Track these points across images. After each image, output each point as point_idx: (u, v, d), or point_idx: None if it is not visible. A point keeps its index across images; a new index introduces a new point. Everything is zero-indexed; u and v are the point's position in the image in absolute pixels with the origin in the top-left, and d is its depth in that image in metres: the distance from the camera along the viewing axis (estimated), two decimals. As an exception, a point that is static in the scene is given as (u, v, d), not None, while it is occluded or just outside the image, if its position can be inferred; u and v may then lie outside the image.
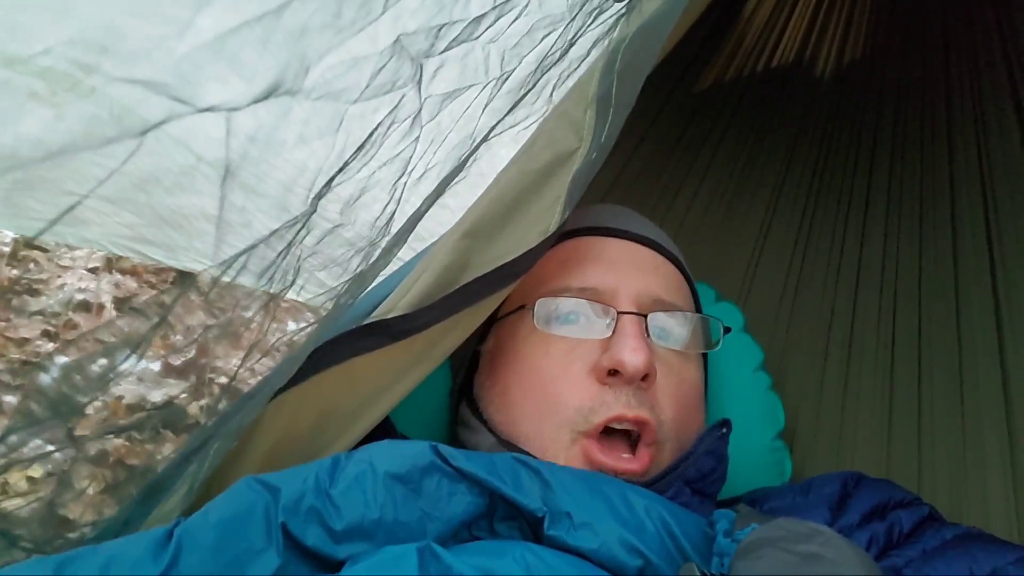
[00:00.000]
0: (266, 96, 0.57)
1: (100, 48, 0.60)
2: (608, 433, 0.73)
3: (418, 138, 0.73)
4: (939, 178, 1.22)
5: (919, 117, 1.27)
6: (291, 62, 0.59)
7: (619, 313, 0.77)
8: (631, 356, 0.72)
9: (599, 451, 0.72)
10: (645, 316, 0.77)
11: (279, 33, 0.58)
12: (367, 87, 0.65)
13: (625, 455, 0.73)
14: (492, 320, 0.84)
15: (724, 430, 0.77)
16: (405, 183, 0.75)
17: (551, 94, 0.88)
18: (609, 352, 0.74)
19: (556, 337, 0.77)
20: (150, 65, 0.59)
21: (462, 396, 0.86)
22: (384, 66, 0.65)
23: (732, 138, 1.37)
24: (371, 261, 0.73)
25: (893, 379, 1.11)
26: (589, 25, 0.83)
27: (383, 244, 0.74)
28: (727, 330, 0.85)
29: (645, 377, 0.73)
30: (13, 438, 0.55)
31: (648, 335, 0.77)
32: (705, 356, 0.88)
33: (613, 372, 0.73)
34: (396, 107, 0.69)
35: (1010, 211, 1.11)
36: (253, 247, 0.61)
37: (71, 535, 0.60)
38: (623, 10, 0.84)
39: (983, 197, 1.15)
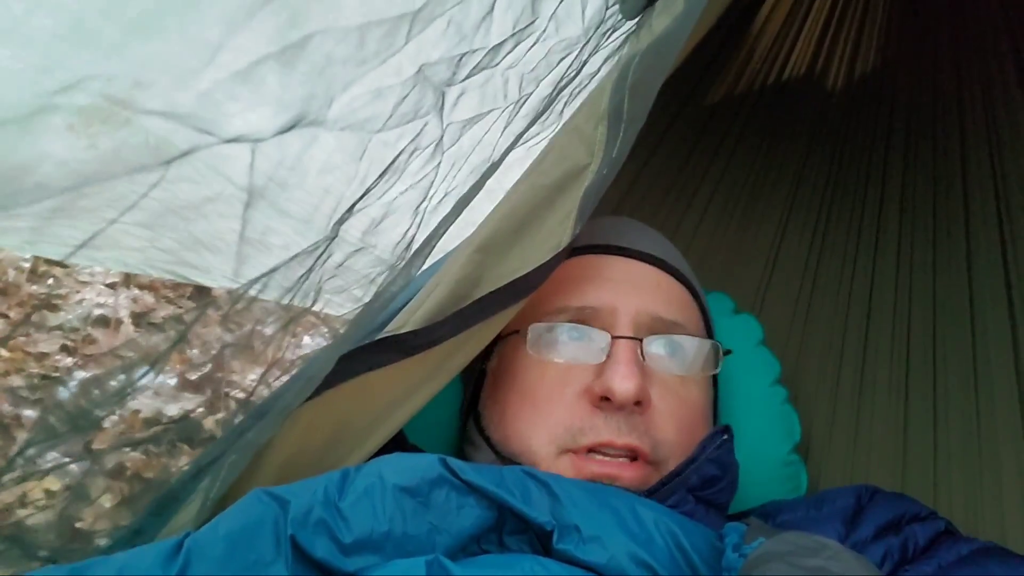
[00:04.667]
0: (291, 127, 0.58)
1: (130, 81, 0.61)
2: (602, 455, 0.73)
3: (439, 164, 0.74)
4: (952, 189, 1.21)
5: (931, 129, 1.27)
6: (315, 94, 0.60)
7: (613, 337, 0.76)
8: (621, 383, 0.71)
9: (587, 460, 0.72)
10: (640, 340, 0.76)
11: (303, 64, 0.59)
12: (390, 116, 0.66)
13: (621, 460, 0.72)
14: (497, 337, 0.83)
15: (725, 436, 0.76)
16: (426, 207, 0.75)
17: (562, 110, 0.88)
18: (601, 378, 0.73)
19: (551, 361, 0.77)
20: (175, 97, 0.60)
21: (469, 413, 0.85)
22: (407, 96, 0.66)
23: (744, 151, 1.37)
24: (389, 281, 0.74)
25: (908, 391, 1.10)
26: (603, 44, 0.84)
27: (400, 266, 0.75)
28: (727, 352, 0.84)
29: (639, 403, 0.73)
30: (31, 451, 0.56)
31: (643, 359, 0.76)
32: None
33: (605, 398, 0.73)
34: (418, 135, 0.70)
35: (1024, 222, 1.10)
36: (273, 271, 0.62)
37: (86, 547, 0.61)
38: (635, 28, 0.85)
39: (997, 209, 1.14)
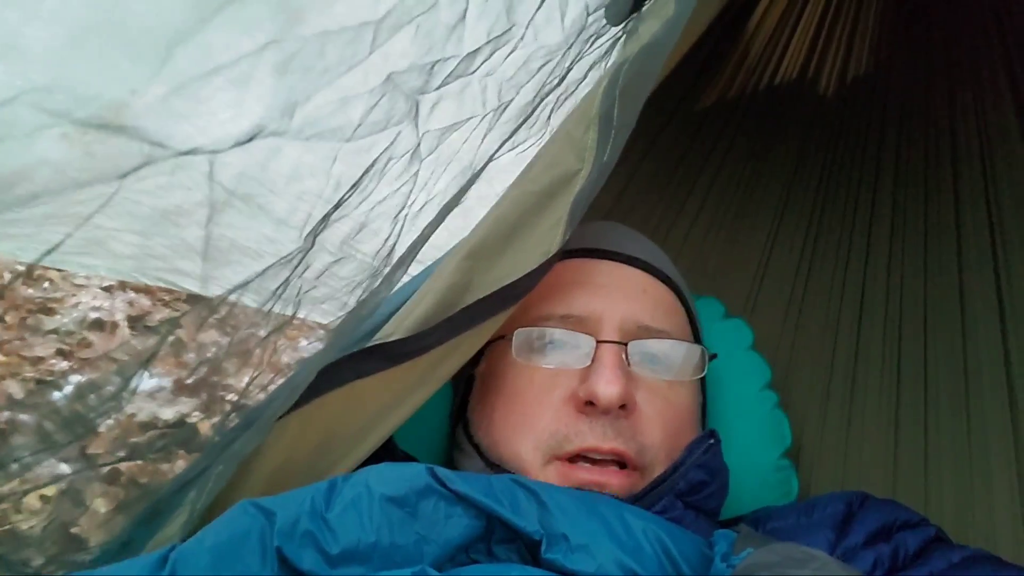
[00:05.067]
0: (250, 138, 0.58)
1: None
2: (590, 461, 0.73)
3: (417, 172, 0.74)
4: (944, 195, 1.21)
5: (923, 134, 1.27)
6: (274, 103, 0.59)
7: (598, 342, 0.76)
8: (605, 387, 0.72)
9: (575, 468, 0.72)
10: (626, 344, 0.77)
11: (259, 75, 0.59)
12: (360, 125, 0.65)
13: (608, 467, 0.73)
14: (486, 343, 0.84)
15: (711, 440, 0.76)
16: (406, 215, 0.75)
17: (548, 116, 0.88)
18: (585, 383, 0.73)
19: (537, 366, 0.77)
20: (127, 111, 0.60)
21: (458, 419, 0.86)
22: (376, 104, 0.66)
23: (736, 155, 1.37)
24: (372, 289, 0.74)
25: (899, 396, 1.10)
26: (586, 51, 0.84)
27: (384, 273, 0.75)
28: (713, 357, 0.84)
29: (624, 407, 0.73)
30: (28, 457, 0.55)
31: (629, 364, 0.76)
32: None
33: (590, 402, 0.73)
34: (392, 143, 0.70)
35: (1016, 229, 1.10)
36: (246, 283, 0.62)
37: (82, 556, 0.60)
38: (620, 34, 0.85)
39: (988, 215, 1.14)
